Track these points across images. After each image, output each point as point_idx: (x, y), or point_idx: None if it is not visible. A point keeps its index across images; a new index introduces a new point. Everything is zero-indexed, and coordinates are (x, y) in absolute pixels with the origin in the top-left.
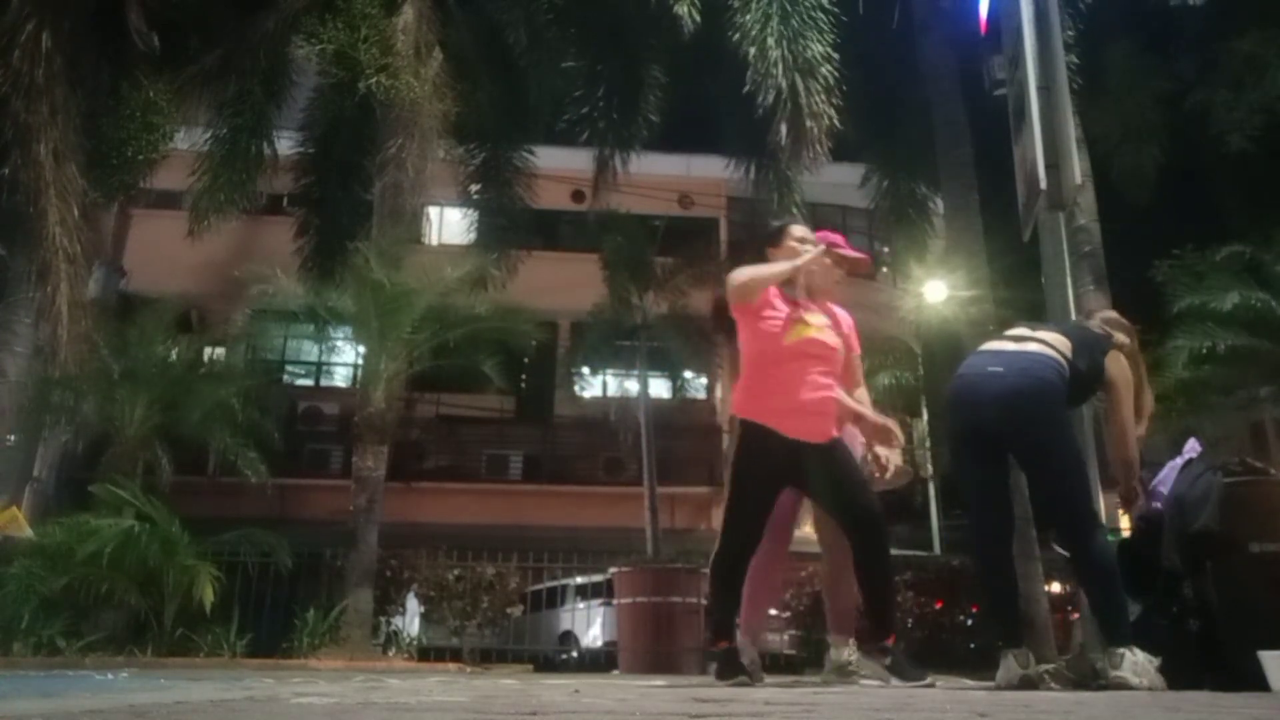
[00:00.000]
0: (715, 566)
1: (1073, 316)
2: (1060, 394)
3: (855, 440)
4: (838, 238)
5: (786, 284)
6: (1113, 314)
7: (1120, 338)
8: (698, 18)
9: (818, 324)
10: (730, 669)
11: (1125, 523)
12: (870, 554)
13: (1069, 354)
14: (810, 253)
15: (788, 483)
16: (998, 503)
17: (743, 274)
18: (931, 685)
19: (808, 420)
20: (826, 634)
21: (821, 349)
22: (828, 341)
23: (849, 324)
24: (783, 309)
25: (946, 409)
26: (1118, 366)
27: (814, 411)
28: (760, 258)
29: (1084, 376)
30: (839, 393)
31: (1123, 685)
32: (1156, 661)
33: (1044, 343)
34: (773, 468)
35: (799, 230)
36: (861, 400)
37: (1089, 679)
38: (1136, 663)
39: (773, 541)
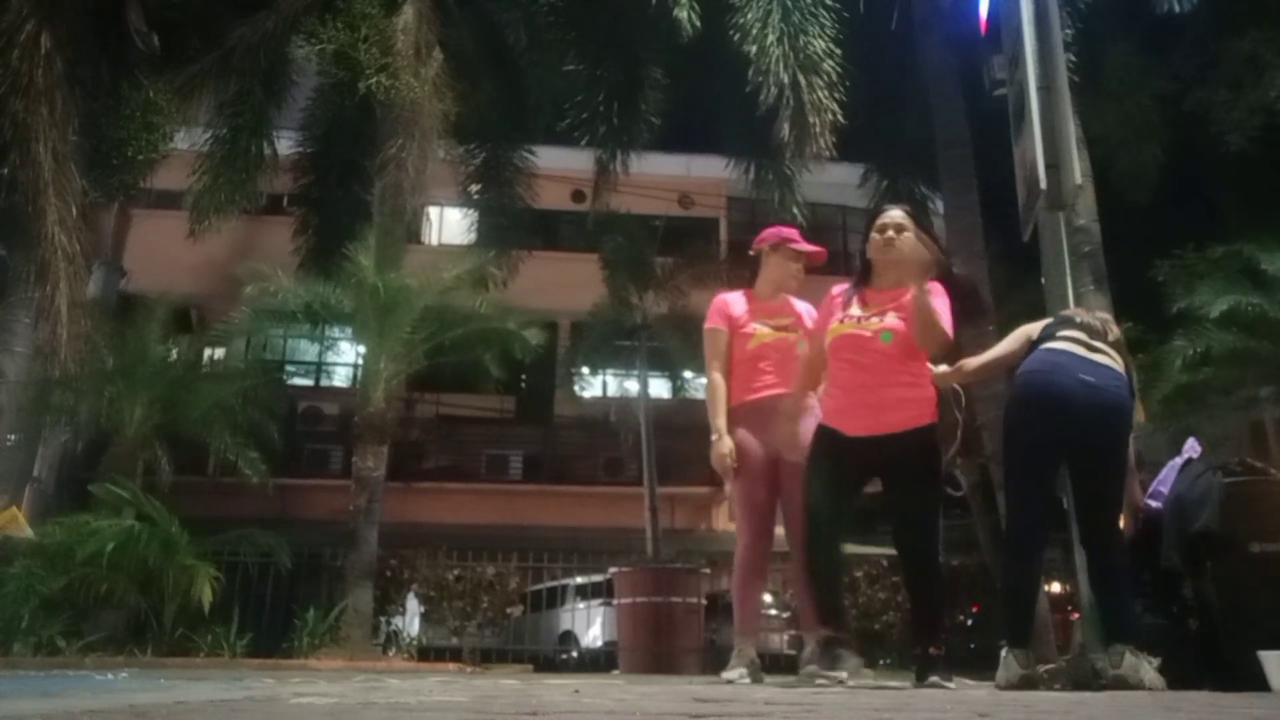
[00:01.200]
0: (804, 549)
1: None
2: (1132, 413)
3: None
4: (792, 232)
5: (858, 286)
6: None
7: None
8: (697, 22)
9: (856, 317)
10: (834, 658)
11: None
12: (918, 578)
13: (1124, 369)
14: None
15: (861, 478)
16: (1047, 509)
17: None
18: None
19: (863, 415)
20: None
21: (859, 342)
22: (862, 333)
23: (810, 315)
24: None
25: (1019, 406)
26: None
27: (870, 405)
28: (755, 265)
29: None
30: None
31: (1122, 684)
32: (1156, 662)
33: (1111, 356)
34: (836, 466)
35: (882, 218)
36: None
37: (1089, 679)
38: (1137, 663)
39: (765, 540)
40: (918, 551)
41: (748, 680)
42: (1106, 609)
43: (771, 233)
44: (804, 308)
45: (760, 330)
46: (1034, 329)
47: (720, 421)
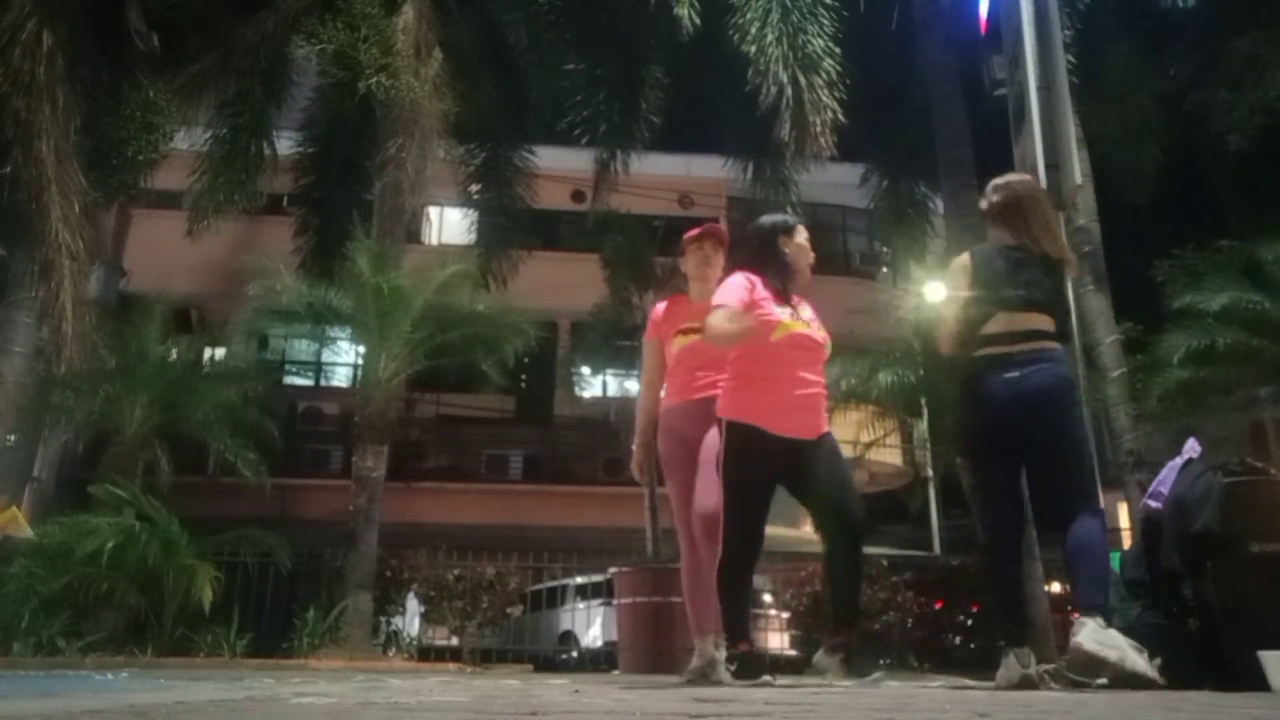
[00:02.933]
0: (721, 573)
1: (1072, 317)
2: (1065, 383)
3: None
4: (695, 230)
5: (780, 282)
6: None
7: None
8: (697, 20)
9: (805, 319)
10: (751, 670)
11: (1125, 522)
12: (851, 561)
13: (1055, 326)
14: (747, 322)
15: (781, 482)
16: (1013, 510)
17: (715, 329)
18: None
19: (798, 416)
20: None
21: (809, 343)
22: (815, 336)
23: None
24: (771, 306)
25: (967, 422)
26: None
27: (805, 407)
28: (771, 246)
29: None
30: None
31: (1077, 651)
32: (1144, 652)
33: (1036, 332)
34: (767, 468)
35: (805, 233)
36: None
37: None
38: (1099, 632)
39: (712, 540)
40: (853, 526)
41: (699, 682)
42: (1077, 578)
43: (682, 244)
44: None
45: (679, 337)
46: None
47: (643, 430)
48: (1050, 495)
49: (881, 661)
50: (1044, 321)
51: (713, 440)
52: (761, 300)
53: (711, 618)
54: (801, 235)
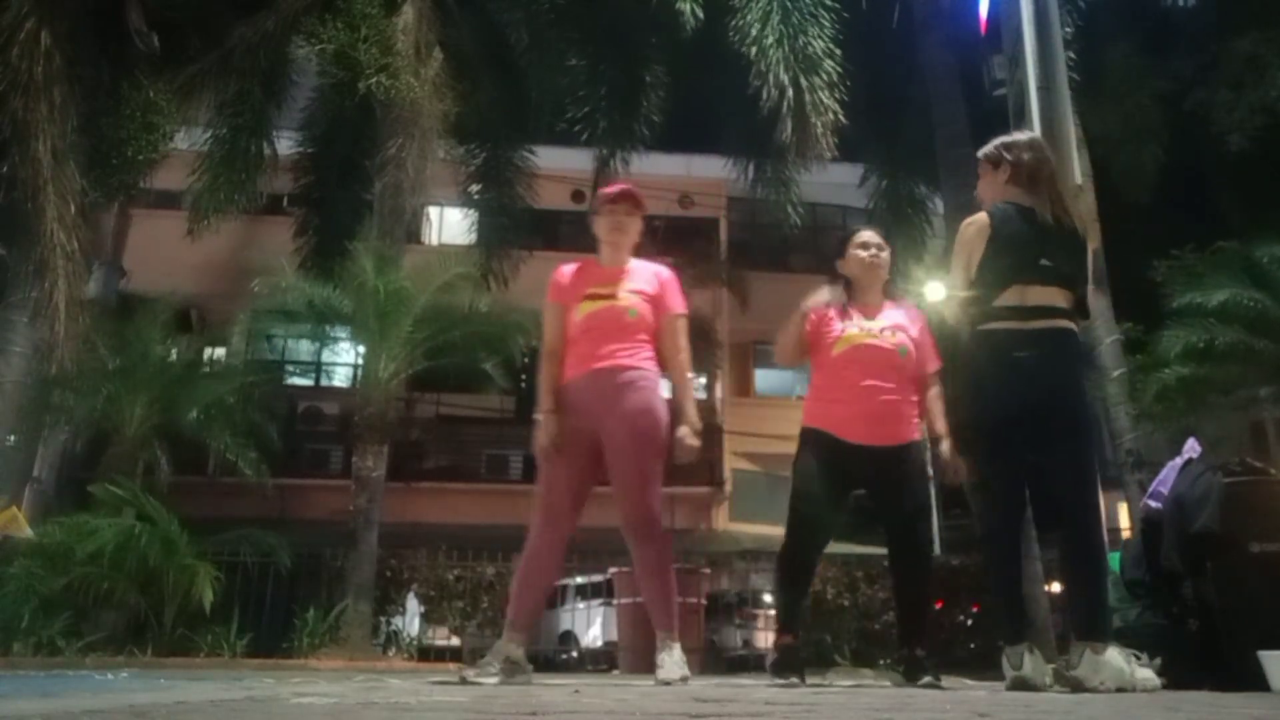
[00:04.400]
0: (783, 563)
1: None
2: (1075, 355)
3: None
4: (608, 190)
5: (838, 294)
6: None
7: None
8: (700, 13)
9: (873, 329)
10: (786, 665)
11: (1125, 522)
12: (918, 583)
13: (1072, 304)
14: (801, 314)
15: (861, 487)
16: (1014, 501)
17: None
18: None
19: (870, 424)
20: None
21: (874, 353)
22: (882, 345)
23: (659, 277)
24: (834, 319)
25: (970, 404)
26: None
27: (878, 415)
28: (835, 274)
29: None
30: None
31: (1077, 686)
32: (1142, 657)
33: (1053, 308)
34: (835, 470)
35: (860, 237)
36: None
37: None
38: (1098, 662)
39: (554, 528)
40: (921, 556)
41: (494, 681)
42: (1079, 601)
43: (594, 203)
44: (650, 270)
45: (584, 303)
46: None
47: (546, 402)
48: (1057, 490)
49: (881, 662)
50: (1062, 297)
51: (638, 423)
52: (828, 319)
53: (527, 617)
54: (856, 242)
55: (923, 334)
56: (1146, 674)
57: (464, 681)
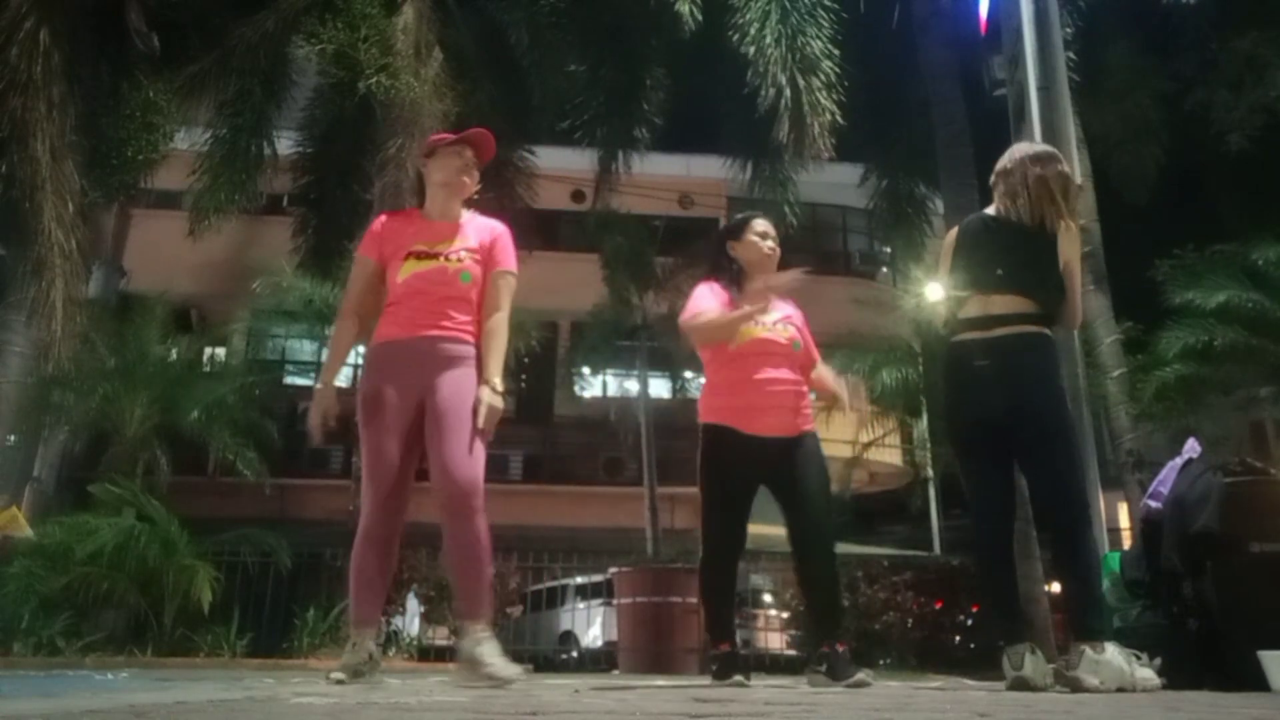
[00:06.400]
0: (702, 573)
1: (1077, 297)
2: (1044, 358)
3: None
4: (449, 135)
5: (733, 283)
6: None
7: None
8: (699, 15)
9: (766, 322)
10: (728, 670)
11: (1125, 522)
12: (827, 572)
13: (1037, 309)
14: (748, 311)
15: (763, 482)
16: (999, 500)
17: (695, 323)
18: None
19: (771, 416)
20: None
21: (771, 346)
22: (777, 339)
23: (493, 233)
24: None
25: (946, 406)
26: (1069, 243)
27: (777, 406)
28: (720, 253)
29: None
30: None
31: (1077, 686)
32: (1142, 657)
33: (1014, 315)
34: (742, 467)
35: (760, 225)
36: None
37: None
38: (1097, 661)
39: (388, 503)
40: (828, 546)
41: (351, 681)
42: (1075, 602)
43: (426, 143)
44: (483, 224)
45: (409, 261)
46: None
47: (330, 371)
48: (1038, 494)
49: (881, 662)
50: (1025, 305)
51: (461, 389)
52: (721, 308)
53: (374, 609)
54: (754, 230)
55: (804, 325)
56: (1146, 673)
57: (338, 681)
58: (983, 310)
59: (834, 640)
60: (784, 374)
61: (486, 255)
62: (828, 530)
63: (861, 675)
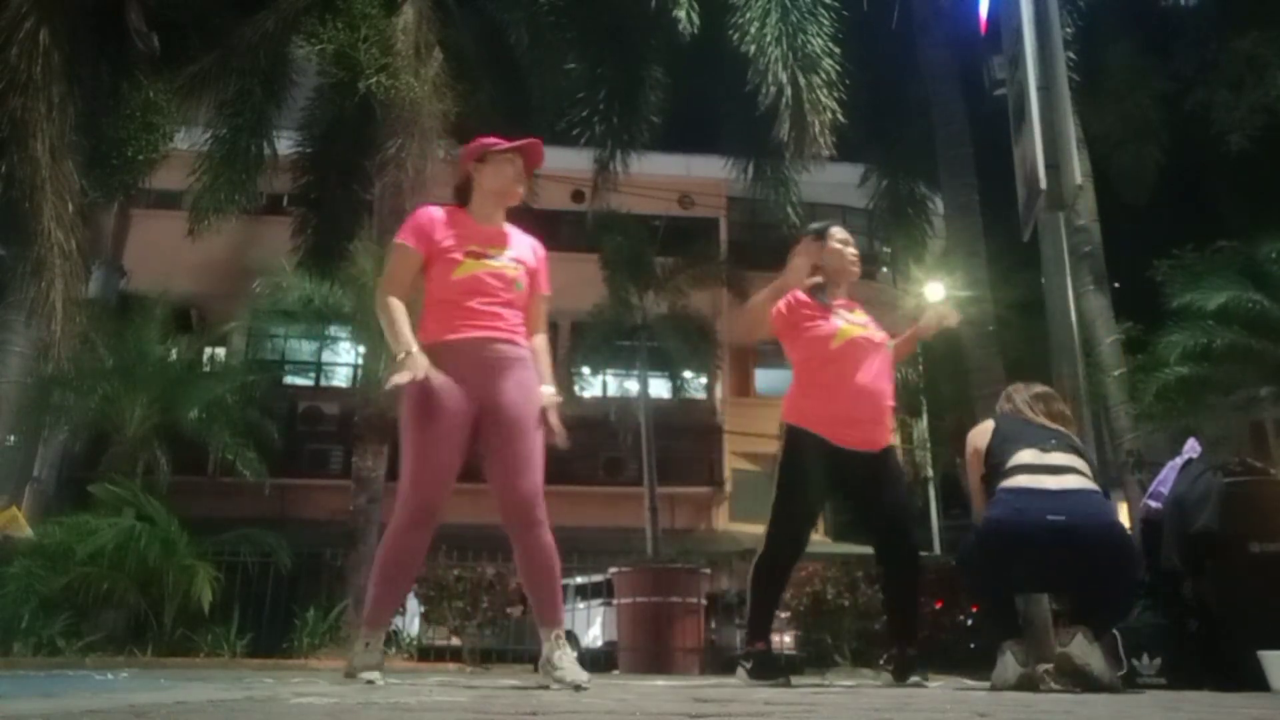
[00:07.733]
0: (759, 571)
1: (1073, 316)
2: (1117, 529)
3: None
4: (496, 139)
5: (818, 289)
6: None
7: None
8: (696, 20)
9: (859, 321)
10: (767, 670)
11: (1125, 522)
12: (909, 583)
13: (1087, 469)
14: (790, 274)
15: (841, 492)
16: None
17: (744, 316)
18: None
19: (861, 430)
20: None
21: (870, 345)
22: (873, 337)
23: (538, 257)
24: (822, 315)
25: (988, 556)
26: None
27: (869, 420)
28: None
29: None
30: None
31: (1066, 663)
32: (1144, 657)
33: (1075, 467)
34: (824, 477)
35: (840, 233)
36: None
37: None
38: (1091, 648)
39: (427, 510)
40: (915, 560)
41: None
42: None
43: (475, 146)
44: (528, 241)
45: (467, 261)
46: (982, 442)
47: (408, 337)
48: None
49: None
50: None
51: (528, 395)
52: (806, 314)
53: (392, 614)
54: (837, 236)
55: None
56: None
57: (368, 682)
58: (1040, 459)
59: (906, 643)
60: (879, 382)
61: (533, 274)
62: (915, 544)
63: (917, 677)
